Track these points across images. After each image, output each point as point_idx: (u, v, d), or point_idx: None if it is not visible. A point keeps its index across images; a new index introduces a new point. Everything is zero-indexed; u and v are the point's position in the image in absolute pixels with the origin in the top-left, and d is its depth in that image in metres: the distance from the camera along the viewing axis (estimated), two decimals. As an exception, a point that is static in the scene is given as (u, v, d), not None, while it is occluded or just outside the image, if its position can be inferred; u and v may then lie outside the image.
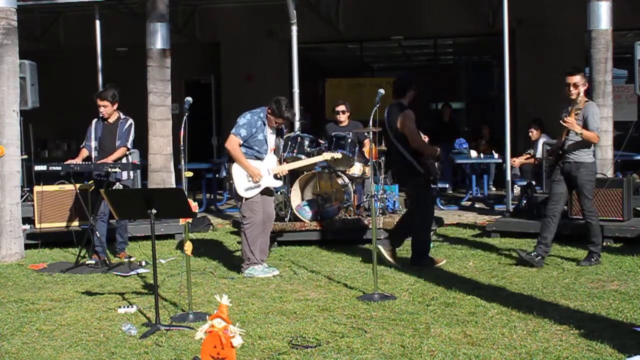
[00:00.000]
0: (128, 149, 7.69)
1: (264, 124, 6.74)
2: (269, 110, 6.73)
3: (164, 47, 9.89)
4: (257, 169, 6.69)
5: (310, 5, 12.51)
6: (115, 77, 12.33)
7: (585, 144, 6.68)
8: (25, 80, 9.52)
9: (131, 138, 7.69)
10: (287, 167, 7.20)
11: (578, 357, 4.18)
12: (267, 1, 13.80)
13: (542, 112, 11.06)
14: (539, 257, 6.70)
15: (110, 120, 7.68)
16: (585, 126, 6.59)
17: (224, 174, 6.89)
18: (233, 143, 6.66)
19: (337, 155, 7.61)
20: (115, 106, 7.68)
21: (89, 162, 7.61)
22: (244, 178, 6.70)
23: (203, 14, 15.40)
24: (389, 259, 6.95)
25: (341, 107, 9.27)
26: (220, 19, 15.30)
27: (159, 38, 9.87)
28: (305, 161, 7.64)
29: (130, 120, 7.73)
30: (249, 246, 6.70)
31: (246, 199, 6.73)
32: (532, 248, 6.92)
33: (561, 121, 6.61)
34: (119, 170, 7.37)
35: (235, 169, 6.71)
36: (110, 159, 7.49)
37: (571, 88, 6.64)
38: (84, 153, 7.71)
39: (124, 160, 7.65)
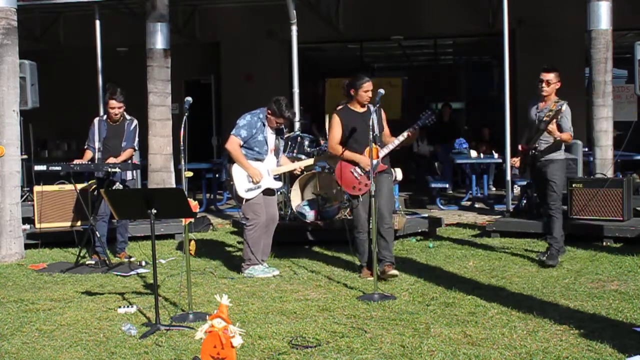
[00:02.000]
0: (135, 150, 7.69)
1: (264, 125, 6.73)
2: (269, 111, 6.71)
3: (164, 47, 9.90)
4: (257, 169, 6.69)
5: (310, 5, 12.50)
6: (115, 77, 12.30)
7: (558, 145, 6.74)
8: (25, 80, 9.51)
9: (137, 139, 7.70)
10: (289, 168, 7.14)
11: (578, 357, 4.18)
12: (267, 1, 13.80)
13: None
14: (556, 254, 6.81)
15: (116, 121, 7.67)
16: (558, 126, 6.63)
17: (225, 176, 6.85)
18: (233, 144, 6.65)
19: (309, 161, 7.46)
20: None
21: (89, 162, 7.60)
22: (244, 179, 6.69)
23: (203, 14, 15.40)
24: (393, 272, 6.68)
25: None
26: (220, 19, 15.29)
27: (159, 38, 9.87)
28: (299, 163, 7.54)
29: (135, 122, 7.73)
30: (250, 247, 6.70)
31: (246, 200, 6.72)
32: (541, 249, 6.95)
33: (546, 130, 6.60)
34: (119, 170, 7.37)
35: (235, 169, 6.71)
36: (119, 161, 7.47)
37: (544, 85, 6.70)
38: (88, 154, 7.66)
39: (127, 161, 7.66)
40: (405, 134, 6.48)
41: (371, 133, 6.02)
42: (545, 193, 6.81)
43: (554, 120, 6.57)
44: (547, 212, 6.82)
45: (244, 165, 6.66)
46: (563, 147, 6.90)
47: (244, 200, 6.72)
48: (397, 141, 6.49)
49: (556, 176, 6.76)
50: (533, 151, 6.81)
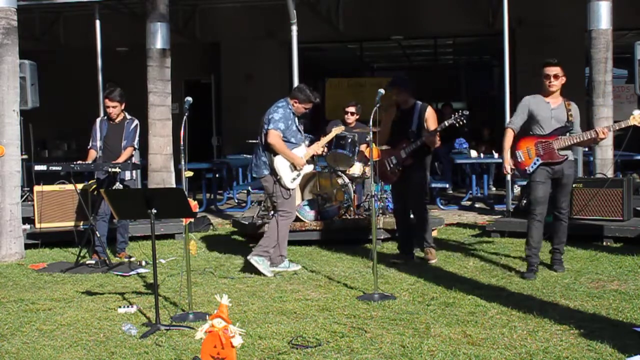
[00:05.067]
0: (135, 149, 7.71)
1: (294, 114, 6.84)
2: (295, 100, 6.81)
3: (164, 47, 9.89)
4: (300, 157, 6.80)
5: (310, 5, 12.52)
6: (115, 77, 12.33)
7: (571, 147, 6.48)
8: (25, 80, 9.53)
9: (137, 138, 7.71)
10: (313, 151, 7.14)
11: (578, 357, 4.18)
12: (267, 1, 13.81)
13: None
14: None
15: (117, 121, 7.68)
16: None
17: (265, 172, 6.75)
18: (276, 137, 6.68)
19: (342, 127, 7.82)
20: (123, 106, 7.69)
21: (89, 162, 7.61)
22: (288, 170, 6.74)
23: (203, 14, 15.41)
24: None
25: (351, 109, 9.34)
26: (220, 19, 15.30)
27: (159, 38, 9.87)
28: (323, 140, 7.53)
29: (136, 121, 7.75)
30: (277, 239, 6.72)
31: (291, 190, 6.77)
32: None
33: (602, 134, 6.17)
34: (119, 170, 7.37)
35: (278, 162, 6.70)
36: (120, 161, 7.48)
37: (552, 79, 6.30)
38: (92, 154, 7.69)
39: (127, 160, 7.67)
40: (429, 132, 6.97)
41: (371, 133, 6.10)
42: (558, 196, 6.47)
43: (606, 128, 6.25)
44: (559, 216, 6.52)
45: (289, 155, 6.72)
46: None
47: (283, 196, 6.73)
48: (419, 141, 6.97)
49: (572, 180, 6.59)
50: (559, 151, 6.34)
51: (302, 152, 6.89)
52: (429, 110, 7.07)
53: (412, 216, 7.35)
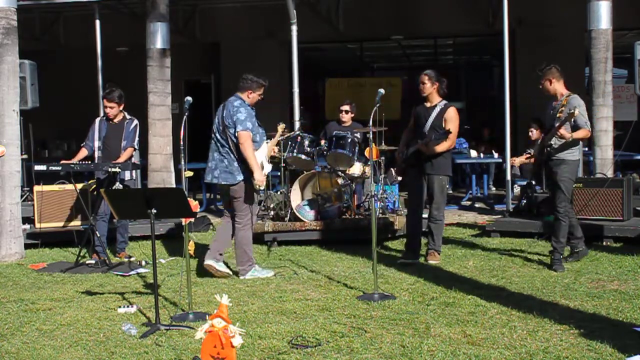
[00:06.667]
0: (135, 149, 7.72)
1: (252, 109, 6.69)
2: (249, 91, 6.69)
3: (164, 47, 9.90)
4: (263, 176, 6.52)
5: (310, 5, 12.51)
6: (115, 77, 12.33)
7: (573, 143, 6.54)
8: (25, 80, 9.52)
9: (137, 139, 7.71)
10: (270, 151, 7.11)
11: (578, 357, 4.18)
12: (267, 1, 13.80)
13: (542, 111, 11.04)
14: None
15: (116, 121, 7.69)
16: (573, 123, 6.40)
17: (239, 178, 6.44)
18: (248, 139, 6.42)
19: (283, 125, 7.74)
20: (122, 107, 7.69)
21: (89, 162, 7.62)
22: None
23: (203, 14, 15.40)
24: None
25: (345, 107, 9.34)
26: (220, 19, 15.30)
27: (159, 38, 9.87)
28: (274, 140, 7.51)
29: (136, 121, 7.75)
30: (247, 248, 6.62)
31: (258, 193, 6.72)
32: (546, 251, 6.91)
33: (556, 134, 6.38)
34: (119, 170, 7.37)
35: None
36: (120, 161, 7.48)
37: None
38: (83, 152, 7.70)
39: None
40: (416, 146, 7.04)
41: (370, 133, 6.11)
42: (554, 195, 6.64)
43: (566, 122, 6.35)
44: (555, 214, 6.62)
45: (253, 166, 6.40)
46: (579, 145, 6.81)
47: (258, 195, 6.63)
48: (412, 148, 7.06)
49: (566, 178, 6.57)
50: (548, 149, 6.58)
51: (264, 151, 6.69)
52: (450, 111, 6.96)
53: (425, 216, 7.34)
